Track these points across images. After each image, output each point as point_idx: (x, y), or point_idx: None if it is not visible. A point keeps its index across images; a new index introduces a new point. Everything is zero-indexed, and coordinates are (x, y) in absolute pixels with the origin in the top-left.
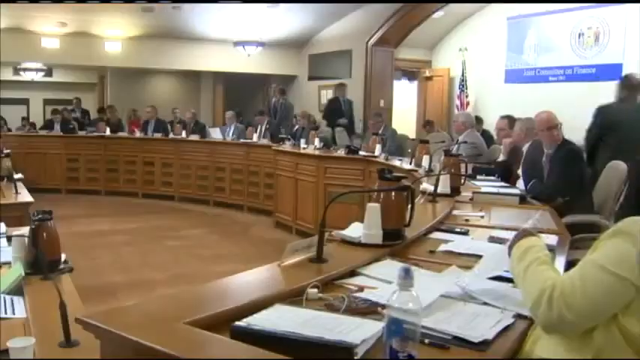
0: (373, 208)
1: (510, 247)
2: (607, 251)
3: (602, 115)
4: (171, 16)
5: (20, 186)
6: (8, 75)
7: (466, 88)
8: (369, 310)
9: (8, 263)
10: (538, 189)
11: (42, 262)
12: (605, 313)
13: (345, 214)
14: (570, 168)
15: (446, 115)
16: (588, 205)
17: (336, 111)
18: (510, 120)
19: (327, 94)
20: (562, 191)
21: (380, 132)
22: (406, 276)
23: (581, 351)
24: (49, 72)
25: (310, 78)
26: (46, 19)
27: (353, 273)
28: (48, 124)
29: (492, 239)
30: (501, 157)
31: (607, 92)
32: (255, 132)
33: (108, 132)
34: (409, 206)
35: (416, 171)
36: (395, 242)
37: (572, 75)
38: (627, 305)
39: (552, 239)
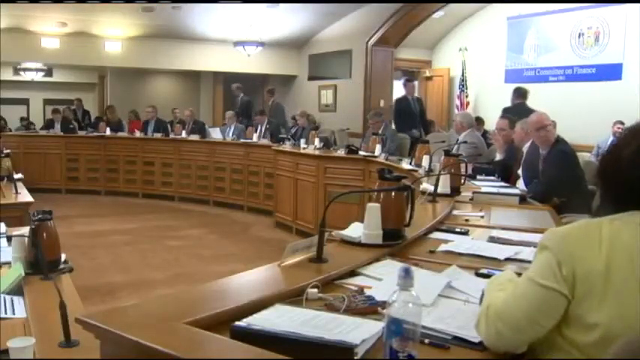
0: (373, 208)
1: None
2: (534, 264)
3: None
4: (171, 16)
5: (20, 186)
6: (8, 75)
7: (466, 88)
8: (369, 310)
9: (8, 263)
10: (535, 189)
11: (42, 262)
12: (542, 324)
13: (345, 214)
14: (560, 169)
15: (446, 115)
16: (584, 205)
17: (407, 113)
18: (510, 120)
19: (327, 94)
20: (555, 191)
21: (380, 132)
22: (406, 276)
23: None
24: (49, 72)
25: (310, 78)
26: (46, 19)
27: (353, 273)
28: (48, 124)
29: (492, 239)
30: (498, 157)
31: (607, 92)
32: (255, 132)
33: (108, 132)
34: (409, 206)
35: (416, 171)
36: (395, 242)
37: (572, 75)
38: (564, 316)
39: None
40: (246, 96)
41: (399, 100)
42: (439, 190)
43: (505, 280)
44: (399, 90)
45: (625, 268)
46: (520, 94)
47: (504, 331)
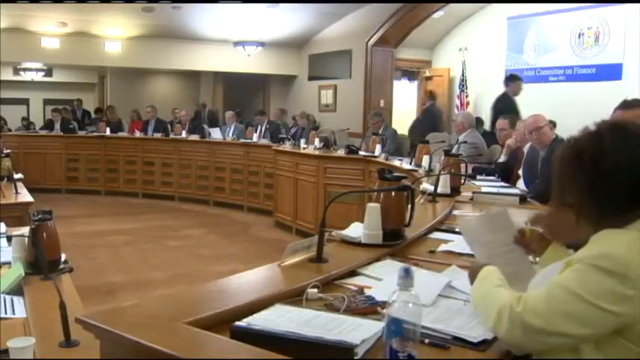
0: (373, 208)
1: (471, 282)
2: (591, 286)
3: None
4: (171, 16)
5: (20, 186)
6: (8, 75)
7: (466, 88)
8: (369, 310)
9: (8, 263)
10: (535, 189)
11: (42, 262)
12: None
13: (345, 214)
14: None
15: (446, 115)
16: None
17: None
18: (511, 120)
19: (327, 94)
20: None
21: (380, 132)
22: (406, 276)
23: None
24: (49, 72)
25: (310, 78)
26: (46, 19)
27: (353, 273)
28: (48, 124)
29: None
30: (502, 159)
31: (607, 92)
32: (255, 132)
33: (108, 132)
34: (409, 206)
35: (416, 171)
36: (395, 242)
37: (572, 75)
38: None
39: None
40: (212, 108)
41: (500, 100)
42: (439, 190)
43: (498, 279)
44: (399, 90)
45: None
46: (432, 96)
47: (535, 323)
